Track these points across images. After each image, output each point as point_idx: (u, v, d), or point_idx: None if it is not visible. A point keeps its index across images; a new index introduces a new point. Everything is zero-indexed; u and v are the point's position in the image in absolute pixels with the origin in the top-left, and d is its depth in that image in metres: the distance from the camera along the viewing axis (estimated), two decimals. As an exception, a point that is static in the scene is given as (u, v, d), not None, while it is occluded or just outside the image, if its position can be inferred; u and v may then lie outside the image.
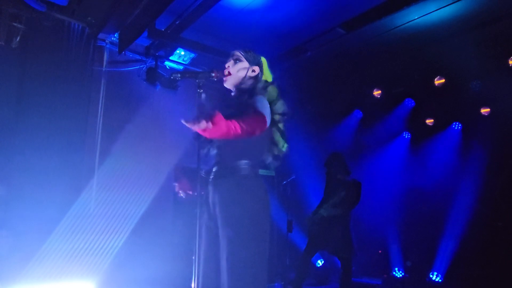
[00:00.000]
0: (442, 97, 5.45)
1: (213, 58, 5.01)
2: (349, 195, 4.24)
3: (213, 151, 2.07)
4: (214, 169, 2.06)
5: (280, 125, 2.09)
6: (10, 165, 3.93)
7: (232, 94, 2.18)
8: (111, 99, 4.85)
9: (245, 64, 2.16)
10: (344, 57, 5.05)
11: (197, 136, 1.84)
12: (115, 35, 4.79)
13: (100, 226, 4.33)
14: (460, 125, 5.58)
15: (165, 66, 5.35)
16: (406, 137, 6.20)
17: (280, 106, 2.08)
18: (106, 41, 4.82)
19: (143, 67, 5.14)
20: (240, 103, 2.04)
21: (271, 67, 2.29)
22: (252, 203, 1.95)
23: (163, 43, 4.98)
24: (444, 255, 5.13)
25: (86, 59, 4.59)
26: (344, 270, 4.13)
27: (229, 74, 2.13)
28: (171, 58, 5.24)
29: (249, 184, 1.98)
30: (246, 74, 2.13)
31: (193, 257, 1.91)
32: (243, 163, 2.00)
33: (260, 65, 2.20)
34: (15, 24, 4.12)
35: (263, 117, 1.87)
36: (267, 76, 2.21)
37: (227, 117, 1.77)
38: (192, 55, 5.17)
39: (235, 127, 1.73)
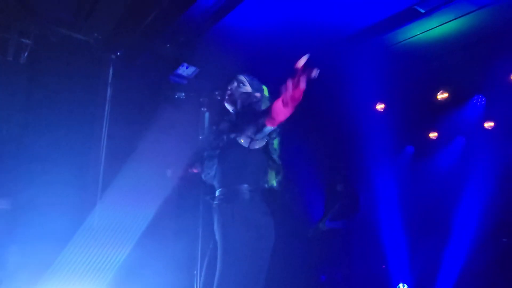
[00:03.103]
0: (445, 111, 5.46)
1: (217, 74, 5.05)
2: (346, 206, 4.20)
3: (218, 176, 2.07)
4: (217, 193, 2.07)
5: (275, 157, 2.11)
6: (16, 179, 3.98)
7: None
8: (116, 112, 4.90)
9: (248, 88, 2.18)
10: (346, 73, 5.08)
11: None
12: (121, 50, 4.86)
13: (103, 240, 4.34)
14: (463, 139, 5.57)
15: (169, 80, 5.39)
16: (410, 150, 6.18)
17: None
18: (112, 56, 4.89)
19: (148, 82, 5.19)
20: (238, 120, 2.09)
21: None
22: (245, 232, 1.92)
23: (167, 58, 5.05)
24: (449, 272, 5.07)
25: (92, 74, 4.67)
26: (344, 285, 4.10)
27: (232, 95, 2.17)
28: (175, 72, 5.29)
29: (245, 211, 1.96)
30: (248, 98, 2.15)
31: (195, 272, 1.93)
32: (244, 187, 1.99)
33: (261, 92, 2.22)
34: (23, 40, 4.19)
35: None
36: (266, 104, 2.22)
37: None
38: (196, 70, 5.22)
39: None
